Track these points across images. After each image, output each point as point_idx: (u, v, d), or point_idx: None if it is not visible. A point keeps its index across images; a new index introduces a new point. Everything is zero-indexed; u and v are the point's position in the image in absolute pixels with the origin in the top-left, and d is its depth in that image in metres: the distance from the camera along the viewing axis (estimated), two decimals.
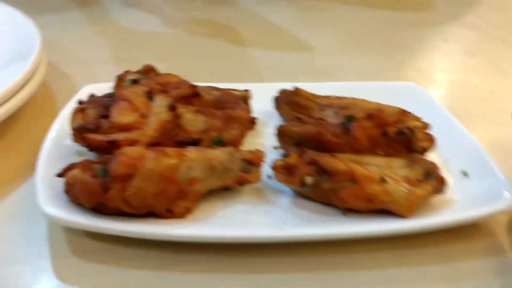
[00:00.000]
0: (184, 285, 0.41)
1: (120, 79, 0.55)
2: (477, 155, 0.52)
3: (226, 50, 0.85)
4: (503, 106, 0.66)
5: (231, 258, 0.43)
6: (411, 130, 0.50)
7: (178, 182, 0.43)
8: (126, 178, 0.41)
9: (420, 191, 0.45)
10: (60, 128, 0.52)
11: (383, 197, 0.44)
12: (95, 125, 0.46)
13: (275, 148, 0.54)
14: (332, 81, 0.71)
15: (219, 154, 0.45)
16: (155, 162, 0.42)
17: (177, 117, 0.49)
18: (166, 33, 0.90)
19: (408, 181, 0.46)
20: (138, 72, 0.56)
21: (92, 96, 0.51)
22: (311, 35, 0.94)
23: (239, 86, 0.59)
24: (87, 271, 0.42)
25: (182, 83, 0.54)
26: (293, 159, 0.46)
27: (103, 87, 0.56)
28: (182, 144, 0.48)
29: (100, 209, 0.42)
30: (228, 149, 0.47)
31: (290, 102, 0.58)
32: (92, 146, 0.47)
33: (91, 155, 0.49)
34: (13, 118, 0.56)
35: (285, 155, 0.47)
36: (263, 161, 0.47)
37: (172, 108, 0.49)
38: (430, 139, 0.51)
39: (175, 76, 0.55)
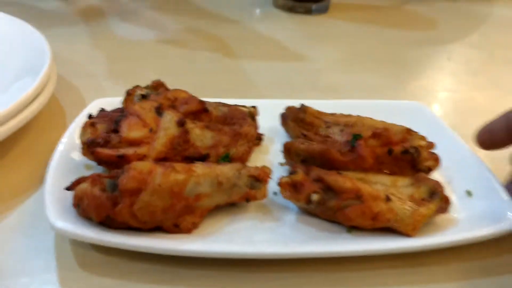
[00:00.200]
0: None
1: (129, 94, 0.55)
2: (481, 175, 0.52)
3: (232, 66, 0.85)
4: None
5: (237, 273, 0.43)
6: (417, 149, 0.50)
7: (186, 197, 0.43)
8: (135, 192, 0.41)
9: (424, 210, 0.45)
10: (69, 141, 0.53)
11: (388, 215, 0.44)
12: (105, 140, 0.47)
13: (282, 164, 0.54)
14: (338, 98, 0.72)
15: (226, 170, 0.46)
16: (163, 177, 0.42)
17: (185, 132, 0.49)
18: (173, 49, 0.91)
19: (413, 200, 0.46)
20: (147, 87, 0.57)
21: (102, 111, 0.51)
22: (317, 52, 0.95)
23: (247, 102, 0.60)
24: (93, 285, 0.42)
25: (191, 98, 0.55)
26: (299, 176, 0.47)
27: (112, 101, 0.57)
28: (190, 159, 0.49)
29: (108, 223, 0.42)
30: (235, 165, 0.47)
31: (296, 119, 0.58)
32: (101, 160, 0.47)
33: (99, 169, 0.50)
34: (22, 130, 0.57)
35: (292, 172, 0.47)
36: (269, 178, 0.47)
37: (180, 123, 0.49)
38: (435, 159, 0.52)
39: (184, 91, 0.56)
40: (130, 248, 0.42)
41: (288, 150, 0.53)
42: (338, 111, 0.60)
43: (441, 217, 0.47)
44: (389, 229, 0.45)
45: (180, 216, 0.43)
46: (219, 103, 0.58)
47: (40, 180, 0.51)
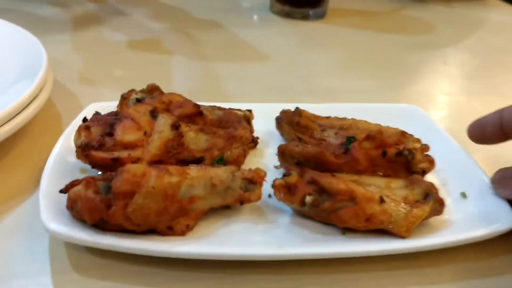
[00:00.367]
0: None
1: (124, 98, 0.56)
2: (476, 177, 0.52)
3: (229, 71, 0.86)
4: None
5: (231, 275, 0.43)
6: (411, 151, 0.51)
7: (180, 200, 0.43)
8: (129, 195, 0.41)
9: (418, 211, 0.45)
10: (64, 145, 0.53)
11: (382, 217, 0.44)
12: (99, 143, 0.47)
13: (276, 167, 0.55)
14: (334, 102, 0.72)
15: (220, 172, 0.46)
16: (157, 179, 0.42)
17: (180, 135, 0.49)
18: (170, 55, 0.91)
19: (407, 201, 0.46)
20: (142, 91, 0.57)
21: (96, 114, 0.51)
22: (314, 57, 0.95)
23: (242, 106, 0.60)
24: (88, 287, 0.42)
25: (186, 102, 0.55)
26: (293, 178, 0.47)
27: (108, 106, 0.57)
28: (184, 162, 0.49)
29: (101, 226, 0.42)
30: (230, 167, 0.47)
31: (291, 122, 0.59)
32: (95, 163, 0.47)
33: (94, 172, 0.50)
34: (18, 134, 0.57)
35: (286, 175, 0.47)
36: (264, 180, 0.47)
37: (175, 126, 0.49)
38: (430, 161, 0.52)
39: (179, 95, 0.56)
40: (125, 250, 0.42)
41: (282, 153, 0.53)
42: (333, 114, 0.60)
43: (435, 219, 0.47)
44: (383, 230, 0.45)
45: (174, 219, 0.43)
46: (214, 106, 0.58)
47: (35, 183, 0.52)
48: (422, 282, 0.44)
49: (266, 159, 0.57)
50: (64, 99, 0.70)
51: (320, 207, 0.45)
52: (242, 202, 0.46)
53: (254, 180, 0.47)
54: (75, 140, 0.49)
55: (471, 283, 0.45)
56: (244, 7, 1.22)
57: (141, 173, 0.42)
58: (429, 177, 0.53)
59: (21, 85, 0.60)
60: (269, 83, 0.82)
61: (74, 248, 0.45)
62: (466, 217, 0.48)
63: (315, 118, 0.59)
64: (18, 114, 0.54)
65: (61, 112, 0.67)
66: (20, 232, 0.47)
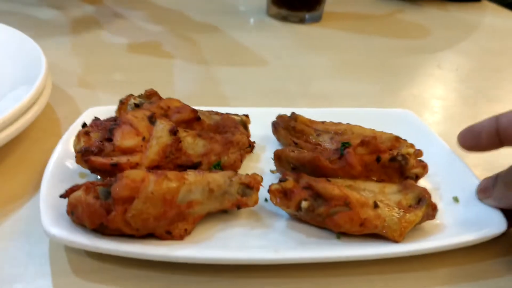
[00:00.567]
0: None
1: (123, 103, 0.56)
2: (468, 182, 0.53)
3: (225, 75, 0.86)
4: None
5: (228, 279, 0.44)
6: (404, 157, 0.51)
7: (178, 204, 0.44)
8: (128, 200, 0.42)
9: (411, 216, 0.46)
10: (63, 149, 0.53)
11: (376, 221, 0.45)
12: (98, 148, 0.48)
13: (272, 172, 0.55)
14: (330, 106, 0.73)
15: (218, 177, 0.47)
16: (156, 185, 0.43)
17: (177, 141, 0.50)
18: (168, 59, 0.92)
19: (400, 206, 0.47)
20: (140, 96, 0.58)
21: (96, 120, 0.52)
22: (310, 61, 0.96)
23: (239, 110, 0.61)
24: None
25: (184, 107, 0.56)
26: (289, 183, 0.48)
27: (106, 110, 0.58)
28: (182, 167, 0.50)
29: (101, 230, 0.43)
30: (227, 172, 0.48)
31: (287, 127, 0.59)
32: (95, 169, 0.48)
33: (93, 177, 0.51)
34: (18, 139, 0.58)
35: (282, 180, 0.48)
36: (260, 185, 0.48)
37: (173, 132, 0.50)
38: (423, 166, 0.53)
39: (177, 100, 0.57)
40: (124, 254, 0.43)
41: (279, 158, 0.54)
42: (328, 119, 0.61)
43: (428, 223, 0.48)
44: (377, 235, 0.46)
45: (172, 223, 0.44)
46: (212, 111, 0.59)
47: (35, 187, 0.52)
48: (415, 285, 0.45)
49: (262, 163, 0.58)
50: (63, 104, 0.70)
51: (315, 212, 0.46)
52: (239, 206, 0.47)
53: (251, 185, 0.47)
54: (75, 146, 0.49)
55: (463, 286, 0.46)
56: (241, 10, 1.23)
57: (140, 179, 0.43)
58: (422, 182, 0.54)
59: (20, 90, 0.60)
60: (265, 87, 0.83)
61: (74, 252, 0.45)
62: (458, 221, 0.49)
63: (310, 123, 0.60)
64: (17, 119, 0.55)
65: (60, 116, 0.67)
66: (20, 236, 0.47)
